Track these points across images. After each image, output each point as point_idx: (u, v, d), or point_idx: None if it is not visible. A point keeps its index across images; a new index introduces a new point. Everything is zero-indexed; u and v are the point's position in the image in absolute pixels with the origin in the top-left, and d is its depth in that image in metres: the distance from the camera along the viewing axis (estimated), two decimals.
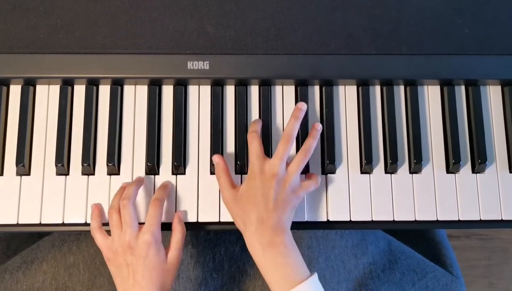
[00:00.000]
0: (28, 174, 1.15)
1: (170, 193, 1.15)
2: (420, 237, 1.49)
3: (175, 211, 1.14)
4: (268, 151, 1.16)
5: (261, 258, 1.04)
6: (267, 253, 1.03)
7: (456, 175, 1.17)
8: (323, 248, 1.29)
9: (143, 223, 1.09)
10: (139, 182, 1.13)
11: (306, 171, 1.16)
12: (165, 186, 1.14)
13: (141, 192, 1.15)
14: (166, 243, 1.10)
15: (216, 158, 1.13)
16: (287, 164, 1.09)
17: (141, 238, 1.06)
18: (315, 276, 1.05)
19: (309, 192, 1.12)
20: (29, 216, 1.13)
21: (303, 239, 1.28)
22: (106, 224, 1.12)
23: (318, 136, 1.14)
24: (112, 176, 1.15)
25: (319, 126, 1.14)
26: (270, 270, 1.04)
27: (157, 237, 1.07)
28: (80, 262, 1.26)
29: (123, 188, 1.13)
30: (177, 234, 1.11)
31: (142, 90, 1.18)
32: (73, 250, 1.27)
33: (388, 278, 1.30)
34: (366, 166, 1.16)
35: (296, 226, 1.15)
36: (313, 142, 1.12)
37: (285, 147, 1.09)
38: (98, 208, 1.13)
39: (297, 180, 1.09)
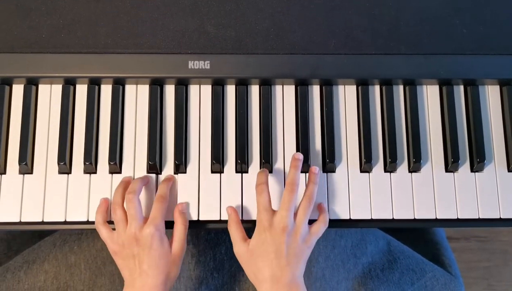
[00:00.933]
0: (31, 172, 1.15)
1: (172, 186, 1.16)
2: (419, 237, 1.49)
3: None
4: (269, 151, 1.17)
5: None
6: None
7: (455, 173, 1.18)
8: (323, 248, 1.29)
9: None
10: (144, 179, 1.14)
11: (305, 171, 1.17)
12: (168, 180, 1.15)
13: (142, 191, 1.15)
14: (170, 237, 1.12)
15: (229, 210, 1.14)
16: (294, 214, 1.10)
17: (146, 229, 1.07)
18: None
19: (319, 236, 1.12)
20: (32, 214, 1.14)
21: None
22: (110, 222, 1.13)
23: (317, 179, 1.13)
24: (114, 175, 1.16)
25: (316, 170, 1.14)
26: None
27: (160, 229, 1.08)
28: (82, 261, 1.26)
29: (123, 182, 1.14)
30: (179, 226, 1.12)
31: (144, 90, 1.19)
32: (75, 249, 1.27)
33: (387, 277, 1.31)
34: (366, 164, 1.16)
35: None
36: (314, 187, 1.12)
37: (290, 196, 1.09)
38: (107, 203, 1.14)
39: (306, 228, 1.09)
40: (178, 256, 1.10)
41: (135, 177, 1.16)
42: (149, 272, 1.06)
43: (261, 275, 1.06)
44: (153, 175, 1.16)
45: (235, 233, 1.11)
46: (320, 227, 1.11)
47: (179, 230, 1.11)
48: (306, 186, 1.13)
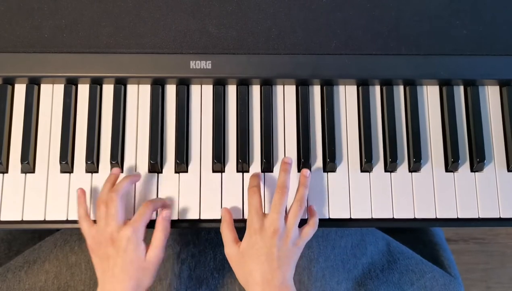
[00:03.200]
0: (33, 171, 1.16)
1: (172, 185, 1.17)
2: (418, 238, 1.49)
3: (178, 209, 1.16)
4: (269, 151, 1.17)
5: None
6: None
7: (455, 173, 1.18)
8: (323, 248, 1.29)
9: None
10: (133, 178, 1.14)
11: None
12: (160, 201, 1.15)
13: (141, 189, 1.16)
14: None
15: (223, 211, 1.14)
16: (285, 217, 1.10)
17: (122, 231, 1.06)
18: None
19: (309, 239, 1.12)
20: (34, 213, 1.14)
21: None
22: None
23: (308, 183, 1.14)
24: None
25: (307, 173, 1.15)
26: None
27: (138, 233, 1.07)
28: (82, 261, 1.26)
29: (111, 176, 1.14)
30: (158, 233, 1.10)
31: (145, 90, 1.20)
32: (75, 249, 1.27)
33: (387, 278, 1.31)
34: (366, 164, 1.17)
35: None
36: (305, 190, 1.13)
37: (281, 199, 1.09)
38: (84, 193, 1.14)
39: (296, 231, 1.10)
40: (152, 264, 1.08)
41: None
42: (119, 277, 1.05)
43: (252, 278, 1.06)
44: (155, 174, 1.17)
45: (227, 234, 1.11)
46: (310, 231, 1.12)
47: (158, 237, 1.10)
48: (297, 189, 1.14)
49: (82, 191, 1.14)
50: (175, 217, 1.15)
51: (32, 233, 1.44)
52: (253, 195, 1.10)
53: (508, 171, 1.19)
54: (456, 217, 1.17)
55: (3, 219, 1.14)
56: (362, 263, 1.32)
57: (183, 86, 1.19)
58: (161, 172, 1.17)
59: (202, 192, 1.16)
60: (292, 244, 1.08)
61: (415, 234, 1.50)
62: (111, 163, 1.15)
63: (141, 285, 1.07)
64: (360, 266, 1.32)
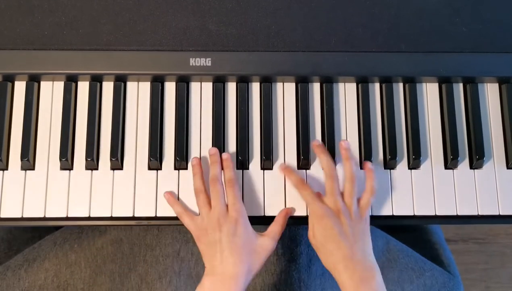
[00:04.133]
0: (33, 168, 1.16)
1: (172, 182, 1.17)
2: (418, 237, 1.49)
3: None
4: (269, 148, 1.17)
5: None
6: (360, 289, 1.04)
7: (454, 170, 1.19)
8: None
9: None
10: (218, 159, 1.15)
11: (305, 168, 1.18)
12: (227, 160, 1.16)
13: (141, 186, 1.16)
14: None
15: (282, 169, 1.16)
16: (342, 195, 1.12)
17: (230, 215, 1.08)
18: None
19: (370, 205, 1.13)
20: (34, 210, 1.14)
21: (302, 237, 1.29)
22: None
23: (350, 154, 1.15)
24: (115, 171, 1.16)
25: (347, 144, 1.16)
26: None
27: (243, 214, 1.09)
28: (82, 259, 1.27)
29: (196, 165, 1.15)
30: (277, 226, 1.13)
31: (145, 87, 1.20)
32: (75, 248, 1.28)
33: (387, 276, 1.31)
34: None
35: (296, 222, 1.17)
36: (351, 163, 1.14)
37: (332, 183, 1.11)
38: (171, 194, 1.15)
39: (356, 205, 1.11)
40: (264, 250, 1.10)
41: (137, 173, 1.16)
42: (230, 260, 1.06)
43: (334, 257, 1.07)
44: (154, 171, 1.17)
45: (310, 195, 1.13)
46: (368, 197, 1.13)
47: (275, 229, 1.12)
48: (366, 180, 1.14)
49: (169, 194, 1.15)
50: (174, 214, 1.15)
51: (32, 232, 1.43)
52: (304, 187, 1.13)
53: (507, 168, 1.19)
54: (455, 214, 1.17)
55: (3, 216, 1.14)
56: None
57: (183, 83, 1.19)
58: (161, 169, 1.17)
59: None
60: (357, 217, 1.09)
61: (414, 233, 1.50)
62: (110, 160, 1.15)
63: (251, 269, 1.08)
64: None
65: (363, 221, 1.10)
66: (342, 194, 1.11)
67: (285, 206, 1.16)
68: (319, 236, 1.09)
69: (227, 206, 1.11)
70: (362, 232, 1.09)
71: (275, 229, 1.12)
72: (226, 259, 1.06)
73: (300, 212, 1.17)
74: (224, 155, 1.16)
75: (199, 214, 1.12)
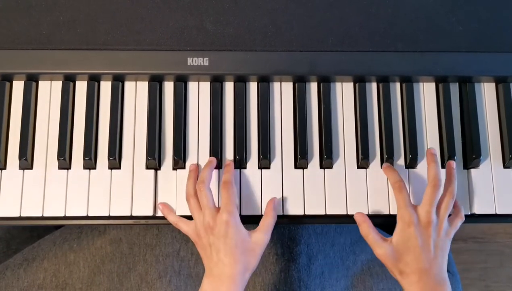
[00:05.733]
0: (31, 167, 1.16)
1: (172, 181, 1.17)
2: None
3: (175, 206, 1.16)
4: (267, 147, 1.17)
5: None
6: None
7: None
8: (322, 245, 1.30)
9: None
10: (211, 164, 1.15)
11: (302, 167, 1.18)
12: (229, 165, 1.16)
13: (139, 185, 1.16)
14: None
15: (358, 217, 1.14)
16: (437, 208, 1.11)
17: (219, 218, 1.08)
18: None
19: (457, 229, 1.13)
20: (31, 209, 1.14)
21: (302, 236, 1.29)
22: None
23: (455, 174, 1.14)
24: (113, 170, 1.17)
25: (454, 164, 1.15)
26: None
27: (234, 215, 1.09)
28: (81, 259, 1.27)
29: (192, 171, 1.15)
30: (269, 218, 1.13)
31: (143, 86, 1.20)
32: (74, 248, 1.28)
33: (386, 274, 1.31)
34: (363, 160, 1.17)
35: (295, 221, 1.18)
36: (455, 182, 1.13)
37: (434, 192, 1.10)
38: (165, 205, 1.16)
39: (447, 222, 1.11)
40: (258, 246, 1.10)
41: (135, 172, 1.17)
42: (225, 261, 1.06)
43: (409, 268, 1.07)
44: (152, 171, 1.17)
45: (373, 236, 1.11)
46: (459, 221, 1.13)
47: (267, 222, 1.12)
48: (447, 181, 1.14)
49: (163, 204, 1.16)
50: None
51: (31, 232, 1.44)
52: (402, 190, 1.11)
53: (504, 167, 1.20)
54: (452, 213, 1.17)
55: (1, 215, 1.14)
56: (361, 259, 1.32)
57: (181, 83, 1.20)
58: (159, 169, 1.17)
59: None
60: (445, 234, 1.09)
61: None
62: (108, 159, 1.15)
63: (248, 268, 1.09)
64: (359, 263, 1.32)
65: (447, 239, 1.10)
66: (438, 207, 1.11)
67: (283, 205, 1.16)
68: (400, 243, 1.08)
69: (219, 208, 1.11)
70: (444, 249, 1.09)
71: (266, 222, 1.12)
72: (221, 260, 1.07)
73: (298, 211, 1.17)
74: (227, 161, 1.17)
75: (193, 219, 1.12)
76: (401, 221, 1.09)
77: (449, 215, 1.12)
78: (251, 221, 1.14)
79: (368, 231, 1.11)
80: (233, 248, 1.07)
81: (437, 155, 1.15)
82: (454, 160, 1.17)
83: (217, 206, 1.13)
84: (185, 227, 1.13)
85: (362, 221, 1.13)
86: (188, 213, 1.15)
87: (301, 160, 1.16)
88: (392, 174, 1.14)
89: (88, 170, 1.16)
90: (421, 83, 1.22)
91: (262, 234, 1.11)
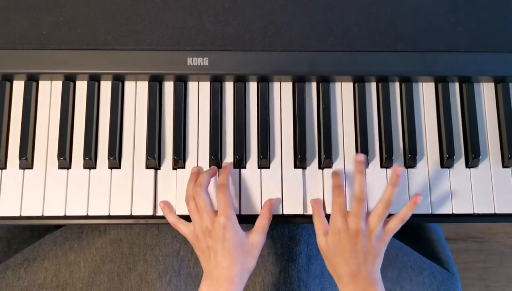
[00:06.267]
0: (31, 167, 1.16)
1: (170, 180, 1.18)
2: (417, 235, 1.50)
3: (175, 205, 1.16)
4: (266, 147, 1.17)
5: None
6: None
7: (450, 169, 1.19)
8: None
9: None
10: (211, 171, 1.15)
11: (302, 167, 1.18)
12: (226, 167, 1.17)
13: (139, 185, 1.17)
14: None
15: (311, 203, 1.16)
16: (369, 214, 1.12)
17: (217, 221, 1.08)
18: None
19: (395, 232, 1.13)
20: (32, 209, 1.15)
21: (302, 236, 1.29)
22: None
23: (398, 182, 1.13)
24: (113, 170, 1.17)
25: (400, 171, 1.13)
26: None
27: (232, 218, 1.09)
28: (81, 259, 1.27)
29: (193, 174, 1.16)
30: (264, 219, 1.13)
31: (143, 86, 1.20)
32: (75, 247, 1.28)
33: (386, 274, 1.31)
34: None
35: (294, 220, 1.18)
36: (394, 190, 1.12)
37: (359, 206, 1.11)
38: (166, 204, 1.16)
39: (380, 229, 1.10)
40: (255, 247, 1.11)
41: (135, 172, 1.17)
42: (223, 264, 1.07)
43: (339, 270, 1.08)
44: (152, 170, 1.18)
45: (317, 226, 1.13)
46: (397, 224, 1.12)
47: (263, 223, 1.13)
48: (387, 187, 1.13)
49: (164, 203, 1.16)
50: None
51: (31, 231, 1.44)
52: (339, 195, 1.13)
53: (503, 167, 1.20)
54: (451, 212, 1.17)
55: (1, 214, 1.15)
56: None
57: (181, 83, 1.20)
58: (159, 168, 1.18)
59: None
60: (376, 241, 1.10)
61: (413, 231, 1.50)
62: (108, 159, 1.16)
63: (246, 268, 1.09)
64: None
65: (380, 244, 1.10)
66: (368, 214, 1.12)
67: (282, 205, 1.16)
68: (331, 246, 1.10)
69: (216, 210, 1.12)
70: (375, 254, 1.09)
71: (262, 223, 1.13)
72: (219, 263, 1.07)
73: (297, 210, 1.17)
74: (225, 163, 1.18)
75: (192, 221, 1.12)
76: (333, 225, 1.11)
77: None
78: (250, 221, 1.14)
79: (315, 219, 1.14)
80: (231, 250, 1.07)
81: (363, 162, 1.15)
82: (453, 160, 1.18)
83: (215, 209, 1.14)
84: (183, 228, 1.13)
85: (314, 208, 1.15)
86: (187, 213, 1.15)
87: (300, 160, 1.17)
88: (336, 177, 1.16)
89: (88, 170, 1.17)
90: (420, 83, 1.22)
91: (259, 235, 1.12)
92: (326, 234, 1.12)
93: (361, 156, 1.15)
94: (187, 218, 1.15)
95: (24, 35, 1.17)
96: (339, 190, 1.13)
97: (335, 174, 1.16)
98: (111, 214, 1.15)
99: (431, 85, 1.22)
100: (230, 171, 1.16)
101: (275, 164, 1.18)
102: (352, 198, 1.13)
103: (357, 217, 1.09)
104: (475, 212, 1.18)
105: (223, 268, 1.07)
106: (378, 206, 1.11)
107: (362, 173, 1.13)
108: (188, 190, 1.14)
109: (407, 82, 1.21)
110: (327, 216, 1.15)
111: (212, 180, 1.16)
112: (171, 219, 1.14)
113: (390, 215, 1.13)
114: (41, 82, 1.20)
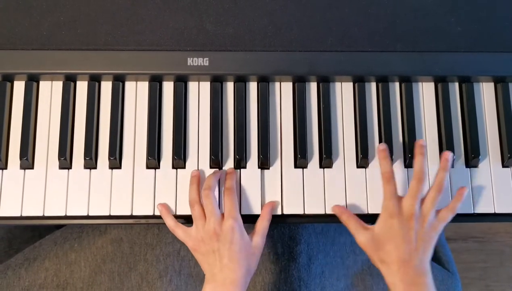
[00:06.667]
0: (32, 167, 1.16)
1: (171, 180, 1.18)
2: None
3: (175, 205, 1.16)
4: (267, 147, 1.18)
5: None
6: None
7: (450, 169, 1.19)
8: (322, 245, 1.30)
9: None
10: (217, 174, 1.16)
11: (302, 166, 1.18)
12: (231, 173, 1.17)
13: (139, 185, 1.17)
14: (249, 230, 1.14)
15: (335, 208, 1.16)
16: (422, 200, 1.11)
17: (225, 224, 1.09)
18: None
19: (447, 222, 1.12)
20: (32, 209, 1.15)
21: (302, 236, 1.29)
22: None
23: (449, 166, 1.13)
24: (113, 170, 1.17)
25: (449, 156, 1.13)
26: None
27: (239, 221, 1.10)
28: (81, 259, 1.27)
29: (194, 178, 1.16)
30: (264, 222, 1.14)
31: (143, 86, 1.20)
32: (75, 247, 1.28)
33: None
34: (362, 160, 1.17)
35: (295, 220, 1.18)
36: (445, 174, 1.12)
37: (418, 186, 1.10)
38: (164, 206, 1.16)
39: (433, 215, 1.10)
40: (258, 249, 1.12)
41: (135, 172, 1.17)
42: (230, 266, 1.07)
43: (389, 257, 1.07)
44: (152, 170, 1.18)
45: (354, 224, 1.12)
46: (447, 214, 1.12)
47: (263, 225, 1.13)
48: (438, 173, 1.13)
49: (163, 205, 1.16)
50: (172, 213, 1.16)
51: (32, 231, 1.44)
52: (389, 180, 1.12)
53: (503, 166, 1.20)
54: None
55: (2, 214, 1.15)
56: (362, 259, 1.32)
57: (181, 83, 1.20)
58: (159, 168, 1.18)
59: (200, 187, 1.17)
60: (429, 227, 1.09)
61: None
62: (109, 159, 1.16)
63: (250, 270, 1.10)
64: (359, 262, 1.32)
65: (432, 232, 1.09)
66: (423, 199, 1.11)
67: (282, 205, 1.17)
68: (382, 232, 1.09)
69: (222, 214, 1.12)
70: (427, 241, 1.08)
71: (263, 225, 1.13)
72: (225, 266, 1.07)
73: (297, 210, 1.17)
74: (230, 169, 1.18)
75: (195, 225, 1.12)
76: (385, 211, 1.10)
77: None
78: (250, 221, 1.15)
79: (348, 220, 1.13)
80: (237, 253, 1.08)
81: (426, 146, 1.16)
82: (453, 160, 1.17)
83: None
84: (182, 234, 1.13)
85: (341, 212, 1.14)
86: (187, 213, 1.15)
87: (300, 160, 1.17)
88: (385, 163, 1.14)
89: (88, 170, 1.17)
90: (420, 83, 1.22)
91: (260, 238, 1.12)
92: (365, 229, 1.11)
93: (423, 141, 1.14)
94: (186, 218, 1.16)
95: (24, 35, 1.17)
96: (388, 176, 1.12)
97: (385, 160, 1.14)
98: (111, 214, 1.15)
99: (431, 85, 1.22)
100: (234, 175, 1.17)
101: (275, 163, 1.18)
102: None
103: (413, 199, 1.09)
104: (475, 212, 1.18)
105: (229, 270, 1.07)
106: (431, 192, 1.11)
107: (423, 155, 1.13)
108: (191, 193, 1.14)
109: (407, 82, 1.22)
110: (328, 216, 1.16)
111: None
112: (170, 223, 1.14)
113: None
114: (41, 83, 1.20)
